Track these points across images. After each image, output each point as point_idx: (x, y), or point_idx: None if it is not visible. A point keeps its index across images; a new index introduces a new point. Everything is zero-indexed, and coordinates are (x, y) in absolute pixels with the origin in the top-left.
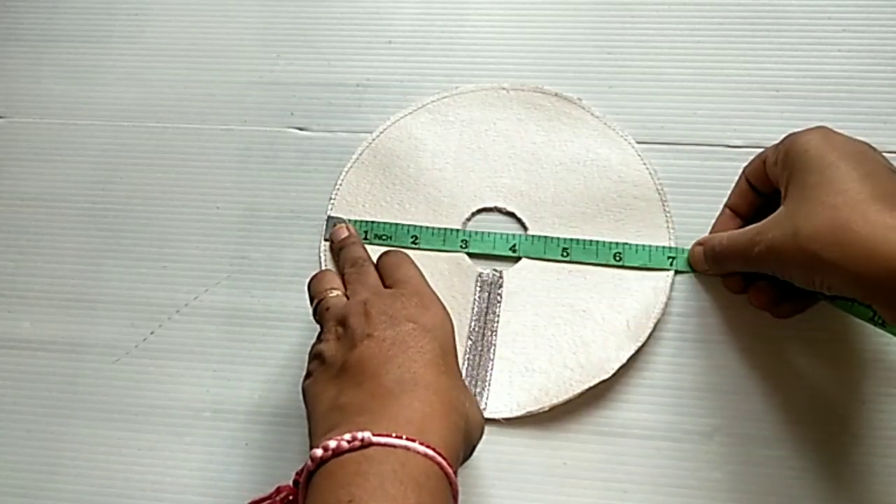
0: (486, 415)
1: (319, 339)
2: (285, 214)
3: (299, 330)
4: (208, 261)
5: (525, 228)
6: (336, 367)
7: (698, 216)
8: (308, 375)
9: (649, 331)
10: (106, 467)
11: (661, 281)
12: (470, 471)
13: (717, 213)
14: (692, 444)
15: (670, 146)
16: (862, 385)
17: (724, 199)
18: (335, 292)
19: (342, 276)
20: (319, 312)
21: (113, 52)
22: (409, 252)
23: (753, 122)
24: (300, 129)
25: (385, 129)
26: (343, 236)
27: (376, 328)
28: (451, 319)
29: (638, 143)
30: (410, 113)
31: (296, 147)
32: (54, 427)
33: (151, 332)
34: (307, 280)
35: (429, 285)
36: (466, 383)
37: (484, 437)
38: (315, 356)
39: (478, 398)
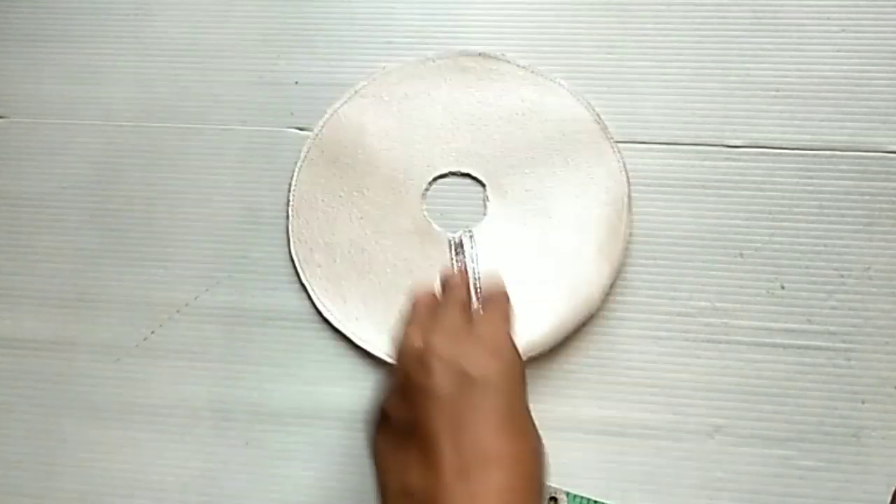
0: None
1: (387, 385)
2: (285, 214)
3: (299, 329)
4: (208, 261)
5: (483, 185)
6: (400, 428)
7: (697, 216)
8: (375, 425)
9: (621, 250)
10: (106, 467)
11: (620, 203)
12: None
13: (719, 213)
14: (693, 444)
15: (670, 146)
16: (862, 384)
17: (722, 199)
18: (416, 331)
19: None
20: (395, 354)
21: (113, 52)
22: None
23: (753, 121)
24: (300, 129)
25: (325, 123)
26: (450, 277)
27: (435, 382)
28: (521, 360)
29: (638, 142)
30: (345, 102)
31: (296, 147)
32: (54, 427)
33: (152, 332)
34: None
35: (511, 327)
36: None
37: None
38: (380, 408)
39: None
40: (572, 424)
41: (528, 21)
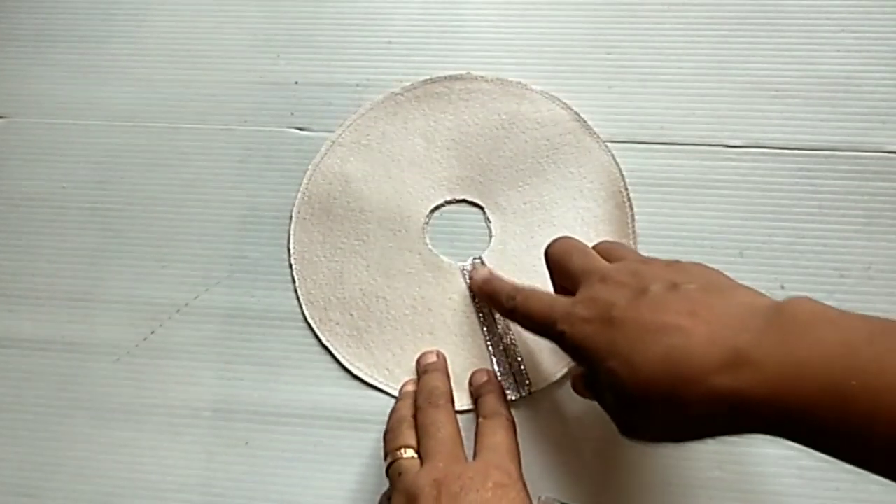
0: (535, 388)
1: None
2: (285, 214)
3: (299, 329)
4: (208, 261)
5: (481, 207)
6: None
7: (697, 216)
8: None
9: (632, 242)
10: (106, 467)
11: (620, 197)
12: None
13: (719, 213)
14: (691, 442)
15: (669, 146)
16: None
17: (722, 199)
18: (409, 451)
19: (416, 407)
20: (391, 475)
21: (113, 52)
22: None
23: (752, 122)
24: (300, 129)
25: (309, 179)
26: (429, 361)
27: None
28: (528, 495)
29: (637, 142)
30: (325, 154)
31: (296, 147)
32: (54, 427)
33: (152, 332)
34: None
35: (516, 449)
36: (502, 371)
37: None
38: None
39: (518, 377)
40: (570, 425)
41: (511, 35)
